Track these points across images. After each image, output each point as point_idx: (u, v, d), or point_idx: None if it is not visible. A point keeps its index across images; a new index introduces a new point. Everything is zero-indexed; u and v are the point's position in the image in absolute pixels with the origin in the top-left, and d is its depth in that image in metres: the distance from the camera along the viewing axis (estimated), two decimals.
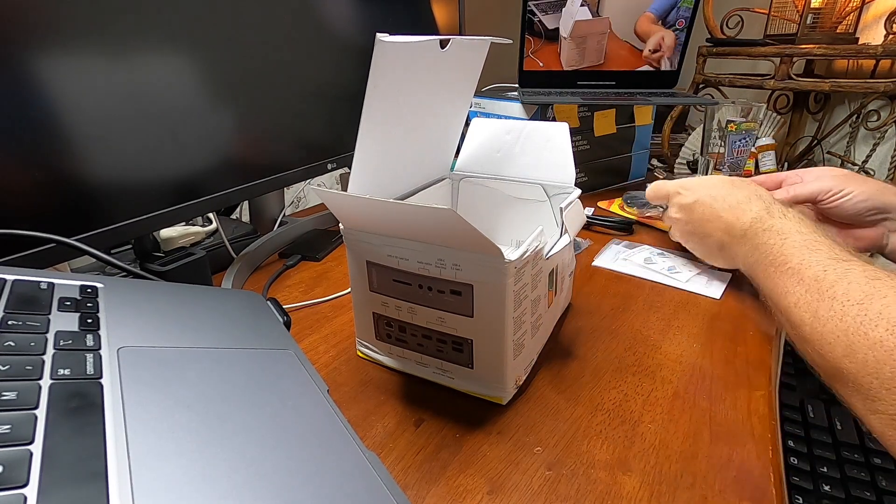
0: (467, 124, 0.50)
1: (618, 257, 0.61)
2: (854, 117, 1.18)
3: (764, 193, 0.48)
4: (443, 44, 0.37)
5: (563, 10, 0.87)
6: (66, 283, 0.30)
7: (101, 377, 0.23)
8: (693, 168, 0.98)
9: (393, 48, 0.31)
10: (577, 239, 0.65)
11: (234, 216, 0.76)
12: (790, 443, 0.39)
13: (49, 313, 0.26)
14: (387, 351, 0.40)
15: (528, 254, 0.33)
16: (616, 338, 0.45)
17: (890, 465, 0.37)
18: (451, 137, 0.48)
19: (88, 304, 0.28)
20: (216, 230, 0.60)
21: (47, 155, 0.36)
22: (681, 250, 0.60)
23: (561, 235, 0.38)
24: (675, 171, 1.05)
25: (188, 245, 0.57)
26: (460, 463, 0.32)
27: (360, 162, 0.35)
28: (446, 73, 0.40)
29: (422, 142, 0.43)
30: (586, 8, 0.88)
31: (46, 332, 0.25)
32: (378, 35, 0.30)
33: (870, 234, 0.52)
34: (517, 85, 0.94)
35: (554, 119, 0.81)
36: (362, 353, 0.42)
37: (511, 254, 0.32)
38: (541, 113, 0.82)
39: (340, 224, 0.37)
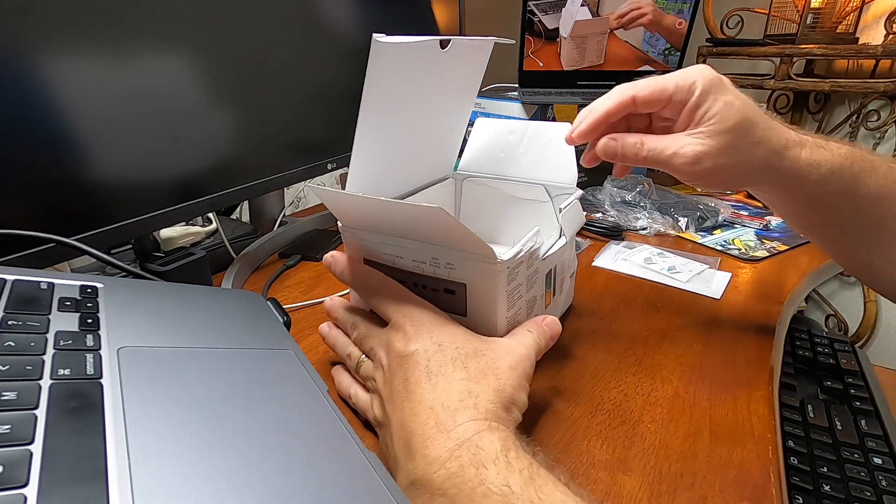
0: (471, 124, 0.50)
1: (618, 257, 0.61)
2: (854, 117, 1.17)
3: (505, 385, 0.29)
4: (443, 44, 0.37)
5: (563, 10, 0.87)
6: (66, 283, 0.30)
7: (101, 377, 0.23)
8: None
9: (390, 48, 0.31)
10: (577, 239, 0.65)
11: (234, 216, 0.76)
12: (790, 443, 0.39)
13: (49, 313, 0.26)
14: None
15: (521, 254, 0.33)
16: (616, 338, 0.45)
17: (890, 465, 0.37)
18: (455, 137, 0.48)
19: (88, 304, 0.28)
20: (216, 230, 0.60)
21: (47, 155, 0.36)
22: None
23: (560, 237, 0.38)
24: None
25: (188, 245, 0.57)
26: None
27: (357, 161, 0.35)
28: (448, 74, 0.40)
29: (423, 142, 0.43)
30: (586, 8, 0.88)
31: (46, 332, 0.25)
32: (374, 35, 0.30)
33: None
34: (517, 85, 0.94)
35: (554, 119, 0.81)
36: None
37: (504, 254, 0.32)
38: (541, 113, 0.82)
39: (339, 222, 0.37)
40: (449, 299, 0.34)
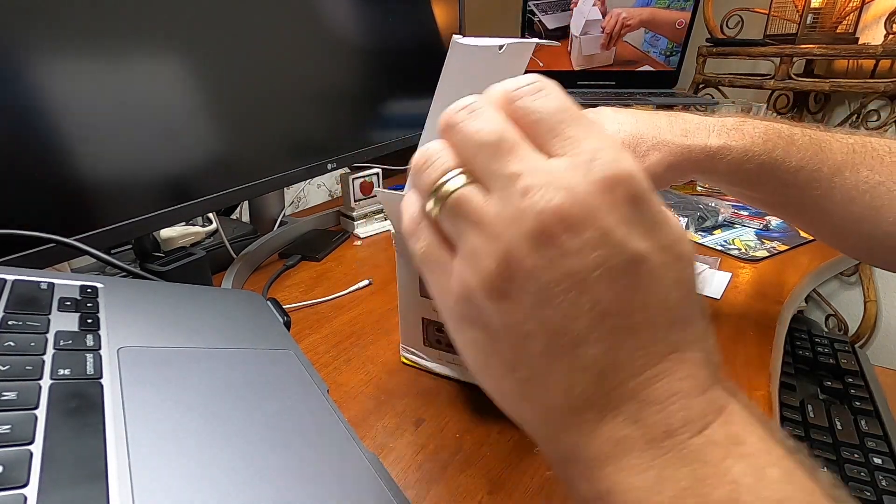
0: None
1: None
2: (854, 117, 1.18)
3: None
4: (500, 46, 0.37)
5: (575, 9, 0.87)
6: (66, 283, 0.30)
7: (101, 377, 0.23)
8: None
9: (464, 49, 0.32)
10: None
11: (234, 216, 0.76)
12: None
13: (49, 313, 0.26)
14: (435, 357, 0.40)
15: None
16: None
17: (890, 465, 0.37)
18: None
19: (88, 305, 0.28)
20: (216, 230, 0.60)
21: (47, 155, 0.36)
22: None
23: None
24: None
25: (188, 245, 0.57)
26: (460, 463, 0.32)
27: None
28: (498, 74, 0.40)
29: None
30: (596, 8, 0.88)
31: (46, 332, 0.25)
32: (454, 37, 0.31)
33: None
34: None
35: None
36: (408, 359, 0.41)
37: None
38: None
39: (392, 230, 0.36)
40: None
